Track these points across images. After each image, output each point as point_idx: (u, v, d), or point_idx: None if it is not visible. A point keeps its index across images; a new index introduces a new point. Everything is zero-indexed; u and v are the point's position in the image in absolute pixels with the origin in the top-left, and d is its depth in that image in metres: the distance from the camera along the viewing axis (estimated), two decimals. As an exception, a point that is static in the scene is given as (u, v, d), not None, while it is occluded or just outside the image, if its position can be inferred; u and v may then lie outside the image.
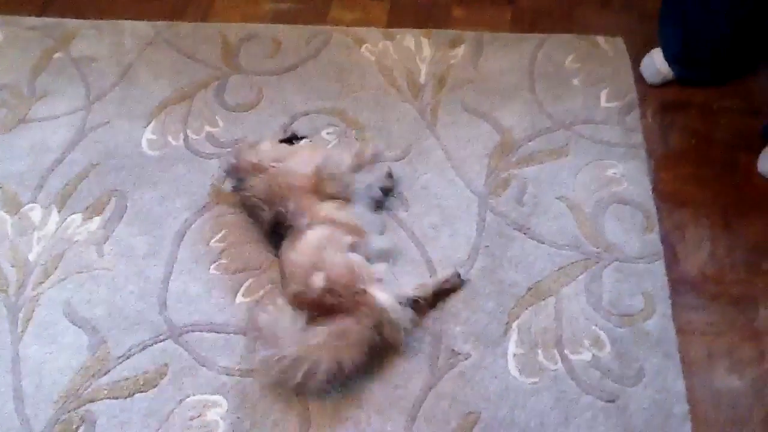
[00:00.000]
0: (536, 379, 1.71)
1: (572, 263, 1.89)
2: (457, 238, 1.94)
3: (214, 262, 1.91)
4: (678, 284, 1.85)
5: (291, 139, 2.08)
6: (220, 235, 1.96)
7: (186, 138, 2.18)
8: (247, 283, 1.87)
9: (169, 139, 2.18)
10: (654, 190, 2.03)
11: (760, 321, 1.80)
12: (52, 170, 2.11)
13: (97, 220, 2.00)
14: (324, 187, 1.82)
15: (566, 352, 1.74)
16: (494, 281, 1.86)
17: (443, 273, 1.84)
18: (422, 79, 2.33)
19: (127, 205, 2.03)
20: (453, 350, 1.75)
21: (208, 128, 2.21)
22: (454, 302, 1.82)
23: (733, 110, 2.23)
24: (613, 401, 1.67)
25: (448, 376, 1.71)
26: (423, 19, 2.52)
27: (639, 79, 2.30)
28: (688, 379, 1.70)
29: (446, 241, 1.93)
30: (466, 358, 1.73)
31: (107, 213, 2.02)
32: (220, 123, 2.22)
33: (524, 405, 1.67)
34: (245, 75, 2.36)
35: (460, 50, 2.41)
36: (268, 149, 1.94)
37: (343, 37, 2.47)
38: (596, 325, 1.78)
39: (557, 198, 2.02)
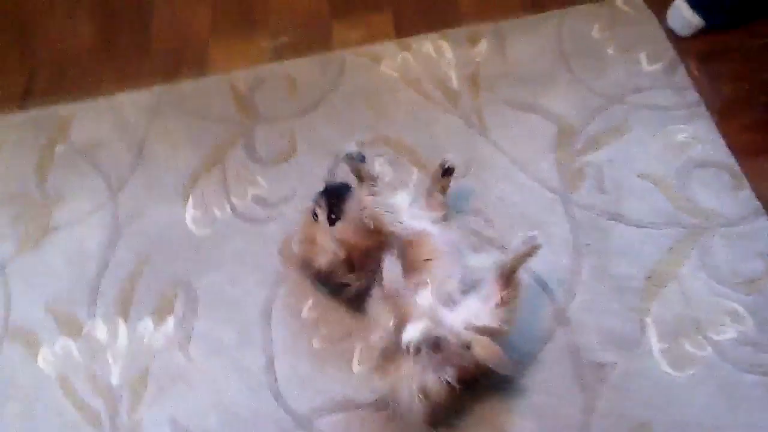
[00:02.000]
0: (692, 371, 1.63)
1: (679, 241, 1.81)
2: (555, 244, 1.83)
3: (314, 334, 1.76)
4: (789, 237, 1.81)
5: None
6: (309, 303, 1.81)
7: (233, 207, 2.01)
8: (358, 350, 1.73)
9: (215, 212, 2.01)
10: (728, 145, 1.98)
11: None
12: (101, 278, 1.91)
13: (170, 321, 1.82)
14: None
15: (710, 334, 1.67)
16: (609, 279, 1.77)
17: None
18: (455, 84, 2.21)
19: (197, 296, 1.85)
20: (597, 363, 1.66)
21: (252, 191, 2.04)
22: (577, 312, 1.73)
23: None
24: (774, 373, 1.62)
25: (602, 392, 1.62)
26: (431, 20, 2.39)
27: (670, 34, 2.24)
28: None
29: (544, 250, 1.82)
30: (613, 368, 1.65)
31: (179, 310, 1.83)
32: (262, 181, 2.06)
33: (691, 401, 1.58)
34: (270, 123, 2.19)
35: (483, 45, 2.29)
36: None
37: (358, 58, 2.32)
38: (728, 299, 1.71)
39: (638, 176, 1.94)
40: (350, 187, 1.80)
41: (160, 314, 1.83)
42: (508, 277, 1.56)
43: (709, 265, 1.77)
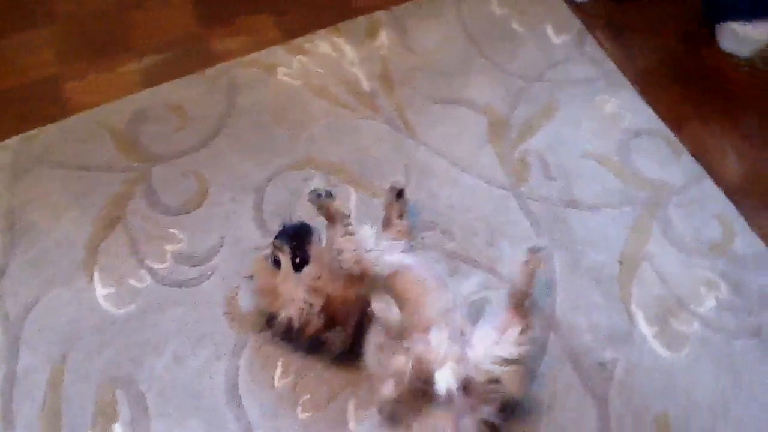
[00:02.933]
0: (687, 350, 1.60)
1: (638, 218, 1.78)
2: (520, 244, 1.71)
3: (296, 403, 1.51)
4: (735, 194, 1.84)
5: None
6: (279, 369, 1.54)
7: (153, 273, 1.66)
8: (351, 408, 1.50)
9: (133, 283, 1.65)
10: (655, 110, 1.97)
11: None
12: (10, 394, 1.50)
13: (118, 430, 1.48)
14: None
15: (693, 308, 1.65)
16: (584, 271, 1.69)
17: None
18: (365, 85, 2.00)
19: (142, 391, 1.51)
20: (599, 363, 1.58)
21: (170, 248, 1.71)
22: (564, 313, 1.63)
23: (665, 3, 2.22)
24: (758, 334, 1.64)
25: (612, 394, 1.54)
26: (319, 15, 2.15)
27: (569, 2, 2.19)
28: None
29: (512, 252, 1.71)
30: (615, 365, 1.57)
31: (125, 414, 1.47)
32: (179, 234, 1.72)
33: (695, 382, 1.55)
34: (166, 162, 1.84)
35: (383, 37, 2.10)
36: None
37: (247, 70, 2.03)
38: (698, 267, 1.71)
39: (581, 157, 1.88)
40: (311, 226, 1.55)
41: (102, 426, 1.47)
42: (522, 303, 1.43)
43: (673, 238, 1.75)
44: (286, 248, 1.50)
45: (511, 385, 1.34)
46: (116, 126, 1.90)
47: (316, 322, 1.47)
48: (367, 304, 1.43)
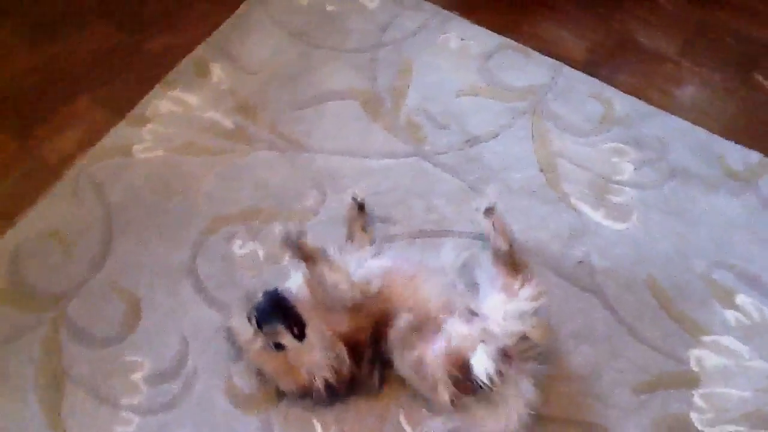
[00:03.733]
0: (635, 215, 1.75)
1: (531, 127, 1.89)
2: (456, 199, 1.76)
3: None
4: (590, 69, 2.01)
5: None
6: (318, 427, 1.45)
7: (133, 408, 1.48)
8: (404, 421, 1.47)
9: (121, 431, 1.47)
10: (489, 28, 2.08)
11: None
12: None
13: None
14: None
15: (617, 178, 1.81)
16: (518, 193, 1.77)
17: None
18: (228, 123, 1.89)
19: None
20: (577, 262, 1.66)
21: (136, 376, 1.53)
22: (524, 236, 1.69)
23: None
24: (674, 173, 1.82)
25: (600, 280, 1.64)
26: (138, 76, 1.98)
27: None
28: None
29: (464, 214, 1.74)
30: (589, 257, 1.67)
31: None
32: (137, 357, 1.54)
33: (655, 236, 1.71)
34: (76, 295, 1.62)
35: (216, 70, 2.00)
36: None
37: (101, 163, 1.83)
38: (602, 144, 1.86)
39: (457, 97, 1.95)
40: (278, 291, 1.45)
41: None
42: (510, 258, 1.49)
43: (567, 128, 1.89)
44: (280, 328, 1.40)
45: (539, 336, 1.40)
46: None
47: (348, 365, 1.42)
48: (378, 320, 1.42)
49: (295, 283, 1.49)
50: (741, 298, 1.64)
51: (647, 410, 1.51)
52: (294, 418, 1.48)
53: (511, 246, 1.54)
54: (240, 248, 1.70)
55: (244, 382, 1.52)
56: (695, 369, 1.56)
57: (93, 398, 1.50)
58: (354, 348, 1.42)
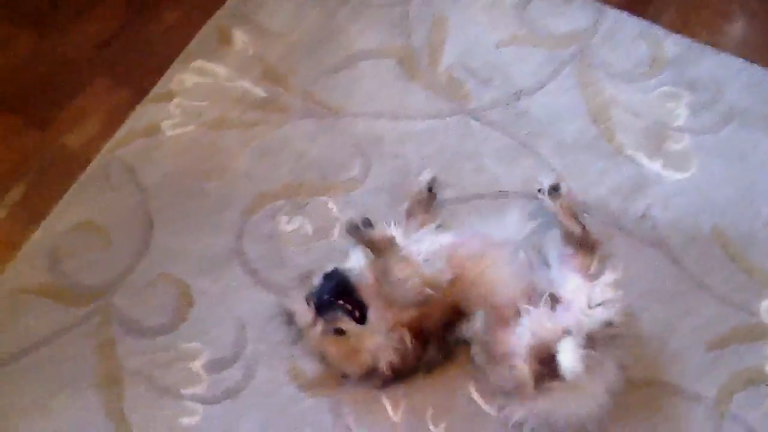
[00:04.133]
0: (694, 162, 1.67)
1: (579, 75, 1.79)
2: (511, 158, 1.69)
3: (427, 422, 1.40)
4: (635, 8, 1.89)
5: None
6: (388, 406, 1.42)
7: (197, 398, 1.43)
8: (475, 394, 1.43)
9: (186, 422, 1.41)
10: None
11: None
12: None
13: None
14: None
15: (674, 124, 1.73)
16: (571, 147, 1.69)
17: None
18: (260, 92, 1.78)
19: None
20: (640, 217, 1.60)
21: (195, 364, 1.47)
22: (583, 193, 1.62)
23: None
24: (733, 115, 1.74)
25: (664, 234, 1.58)
26: (159, 52, 1.87)
27: None
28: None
29: (530, 170, 1.66)
30: (650, 209, 1.61)
31: None
32: (195, 344, 1.48)
33: (717, 183, 1.65)
34: (121, 287, 1.55)
35: (239, 37, 1.88)
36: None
37: (130, 145, 1.72)
38: (655, 88, 1.77)
39: (497, 48, 1.84)
40: (339, 273, 1.40)
41: None
42: (583, 240, 1.42)
43: (618, 74, 1.80)
44: (340, 314, 1.35)
45: (625, 324, 1.34)
46: (37, 282, 1.57)
47: (412, 349, 1.37)
48: (448, 308, 1.38)
49: (356, 263, 1.42)
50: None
51: (722, 366, 1.47)
52: (362, 398, 1.44)
53: (584, 228, 1.46)
54: (287, 224, 1.63)
55: (308, 365, 1.47)
56: (767, 322, 1.52)
57: (154, 390, 1.46)
58: (419, 333, 1.37)
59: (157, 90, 1.81)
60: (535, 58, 1.83)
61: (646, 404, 1.43)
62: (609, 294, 1.31)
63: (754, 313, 1.52)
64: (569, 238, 1.44)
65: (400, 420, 1.42)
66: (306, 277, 1.47)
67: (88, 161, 1.72)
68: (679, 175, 1.67)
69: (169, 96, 1.80)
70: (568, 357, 1.24)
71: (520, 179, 1.66)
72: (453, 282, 1.35)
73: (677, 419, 1.42)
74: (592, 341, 1.26)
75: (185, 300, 1.55)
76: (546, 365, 1.28)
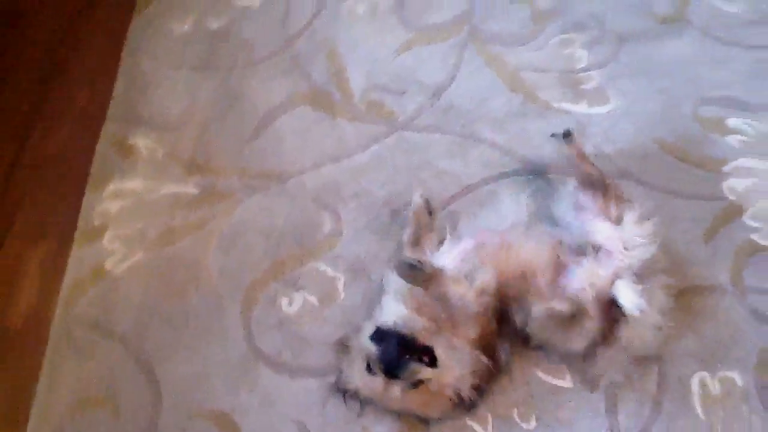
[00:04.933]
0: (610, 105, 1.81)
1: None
2: (466, 158, 1.71)
3: (515, 419, 1.42)
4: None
5: None
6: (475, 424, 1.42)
7: None
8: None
9: None
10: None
11: None
12: None
13: None
14: None
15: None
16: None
17: None
18: (191, 189, 1.67)
19: None
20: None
21: None
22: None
23: None
24: None
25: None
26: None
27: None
28: None
29: (477, 160, 1.69)
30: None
31: None
32: None
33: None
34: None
35: (140, 143, 1.74)
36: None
37: (81, 297, 1.55)
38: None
39: (397, 58, 1.86)
40: (388, 330, 1.34)
41: None
42: (601, 181, 1.47)
43: (510, 42, 1.88)
44: (414, 367, 1.30)
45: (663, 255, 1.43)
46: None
47: (487, 364, 1.37)
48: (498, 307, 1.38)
49: (393, 313, 1.38)
50: (732, 122, 1.78)
51: (721, 253, 1.59)
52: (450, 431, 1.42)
53: (596, 171, 1.52)
54: (290, 306, 1.55)
55: (383, 427, 1.42)
56: (733, 198, 1.69)
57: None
58: (487, 344, 1.37)
59: (81, 231, 1.64)
60: (435, 54, 1.87)
61: (686, 311, 1.51)
62: (643, 231, 1.38)
63: (722, 197, 1.67)
64: (587, 181, 1.48)
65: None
66: (342, 345, 1.42)
67: (43, 337, 1.53)
68: (605, 109, 1.78)
69: (99, 232, 1.64)
70: (629, 297, 1.30)
71: (479, 167, 1.70)
72: (498, 281, 1.36)
73: (714, 314, 1.53)
74: (640, 276, 1.34)
75: (230, 427, 1.43)
76: (607, 313, 1.33)
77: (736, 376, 1.49)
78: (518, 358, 1.48)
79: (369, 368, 1.33)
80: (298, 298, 1.55)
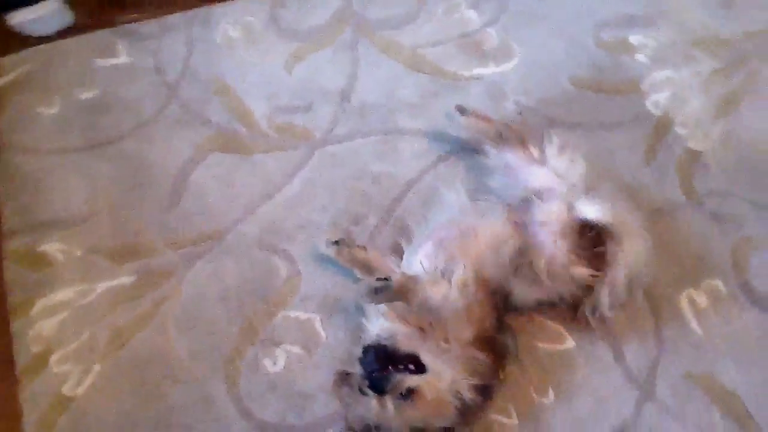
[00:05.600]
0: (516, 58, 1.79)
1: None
2: (398, 154, 1.65)
3: (535, 395, 1.40)
4: None
5: None
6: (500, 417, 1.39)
7: None
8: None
9: None
10: None
11: None
12: None
13: None
14: None
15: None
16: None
17: None
18: (125, 279, 1.51)
19: None
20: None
21: None
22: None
23: None
24: None
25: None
26: None
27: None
28: None
29: (410, 154, 1.65)
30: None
31: None
32: None
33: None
34: None
35: (51, 250, 1.55)
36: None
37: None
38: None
39: (291, 73, 1.75)
40: (369, 346, 1.29)
41: None
42: (514, 131, 1.49)
43: (397, 24, 1.82)
44: (399, 377, 1.24)
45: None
46: None
47: (487, 357, 1.31)
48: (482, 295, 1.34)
49: (377, 327, 1.33)
50: (634, 39, 1.80)
51: (665, 169, 1.64)
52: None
53: (505, 123, 1.53)
54: (275, 365, 1.44)
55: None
56: (659, 113, 1.71)
57: None
58: (482, 339, 1.32)
59: (22, 365, 1.45)
60: (327, 58, 1.78)
61: (654, 236, 1.44)
62: (568, 157, 1.43)
63: (649, 116, 1.71)
64: (499, 138, 1.50)
65: (518, 420, 1.40)
66: (342, 381, 1.34)
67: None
68: (512, 63, 1.77)
69: (42, 359, 1.45)
70: (591, 209, 1.34)
71: (412, 160, 1.64)
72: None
73: (679, 231, 1.57)
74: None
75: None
76: (581, 237, 1.35)
77: (719, 283, 1.54)
78: (522, 340, 1.46)
79: (361, 391, 1.27)
80: (281, 353, 1.45)
